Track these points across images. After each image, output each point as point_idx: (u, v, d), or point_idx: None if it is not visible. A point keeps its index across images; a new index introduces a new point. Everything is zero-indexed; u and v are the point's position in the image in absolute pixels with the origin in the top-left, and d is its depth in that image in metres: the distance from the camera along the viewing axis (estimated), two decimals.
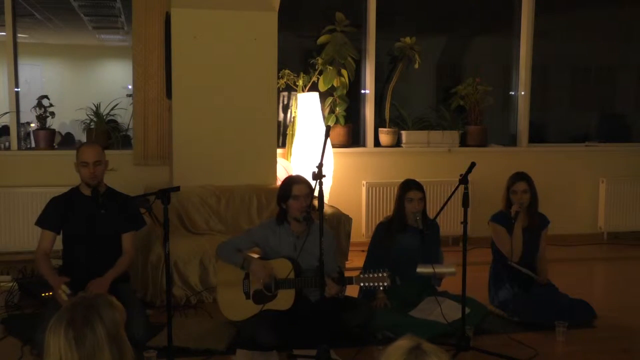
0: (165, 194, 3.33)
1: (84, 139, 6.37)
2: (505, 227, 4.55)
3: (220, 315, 4.17)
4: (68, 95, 8.95)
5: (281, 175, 5.81)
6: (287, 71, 6.27)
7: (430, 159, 6.74)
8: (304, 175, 4.30)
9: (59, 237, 4.09)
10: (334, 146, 6.35)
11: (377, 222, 4.80)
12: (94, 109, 6.18)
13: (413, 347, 1.63)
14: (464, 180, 3.86)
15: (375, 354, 3.74)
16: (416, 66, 6.63)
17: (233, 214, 5.46)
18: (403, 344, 1.65)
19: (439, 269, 4.13)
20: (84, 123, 6.24)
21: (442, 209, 4.11)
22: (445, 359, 1.64)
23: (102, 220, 4.01)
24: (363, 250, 4.85)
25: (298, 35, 7.11)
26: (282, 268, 3.93)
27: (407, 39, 6.65)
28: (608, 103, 8.14)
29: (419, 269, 4.08)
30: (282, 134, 6.49)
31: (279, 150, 6.06)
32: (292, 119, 6.36)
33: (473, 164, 3.88)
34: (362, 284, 3.86)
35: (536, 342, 3.98)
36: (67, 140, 7.59)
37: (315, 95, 6.18)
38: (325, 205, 3.88)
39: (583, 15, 7.78)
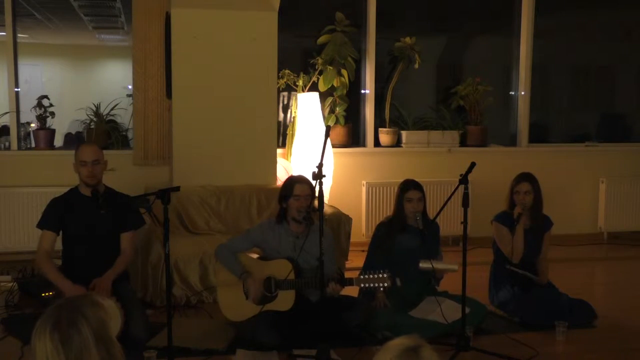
0: (165, 194, 3.34)
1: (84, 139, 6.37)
2: (508, 227, 4.54)
3: (220, 315, 4.17)
4: (68, 95, 8.94)
5: (281, 175, 5.81)
6: (287, 71, 6.27)
7: (430, 159, 6.74)
8: (304, 176, 4.31)
9: (59, 238, 4.09)
10: (334, 146, 6.34)
11: (377, 222, 4.80)
12: (94, 109, 6.18)
13: (410, 347, 1.63)
14: (464, 180, 3.86)
15: (375, 354, 3.74)
16: (416, 66, 6.63)
17: (233, 214, 5.46)
18: (403, 342, 1.65)
19: (441, 265, 4.14)
20: (84, 123, 6.24)
21: (442, 209, 4.11)
22: None
23: (101, 220, 4.01)
24: (363, 250, 4.85)
25: (298, 35, 7.11)
26: (282, 269, 3.93)
27: (407, 39, 6.65)
28: (608, 103, 8.13)
29: (422, 265, 4.08)
30: (282, 134, 6.49)
31: (279, 150, 6.06)
32: (292, 119, 6.36)
33: (473, 164, 3.88)
34: (362, 285, 3.86)
35: (536, 342, 3.98)
36: (68, 141, 7.59)
37: (315, 95, 6.18)
38: (325, 205, 3.88)
39: (583, 15, 7.78)
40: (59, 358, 1.67)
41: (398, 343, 1.65)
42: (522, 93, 7.13)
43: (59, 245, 4.10)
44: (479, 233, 6.12)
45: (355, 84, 6.72)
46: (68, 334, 1.68)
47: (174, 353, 3.40)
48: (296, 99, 6.28)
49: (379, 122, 6.85)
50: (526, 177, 4.58)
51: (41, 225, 4.06)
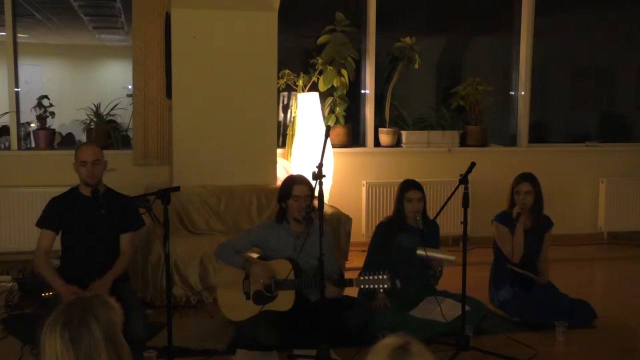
0: (165, 194, 3.34)
1: (84, 139, 6.37)
2: (508, 227, 4.54)
3: (220, 315, 4.17)
4: (68, 95, 8.93)
5: (281, 175, 5.81)
6: (287, 71, 6.27)
7: (430, 159, 6.74)
8: (304, 175, 4.30)
9: (58, 238, 4.09)
10: (334, 146, 6.34)
11: (377, 222, 4.80)
12: (94, 109, 6.18)
13: (399, 346, 1.63)
14: (464, 180, 3.86)
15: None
16: (416, 66, 6.63)
17: (233, 214, 5.46)
18: (391, 342, 1.66)
19: (438, 254, 4.14)
20: (84, 123, 6.24)
21: (442, 209, 4.11)
22: None
23: (101, 220, 4.01)
24: (363, 250, 4.85)
25: (298, 35, 7.11)
26: (282, 269, 3.93)
27: (407, 39, 6.65)
28: (608, 103, 8.13)
29: (419, 251, 4.08)
30: (282, 134, 6.49)
31: (279, 150, 6.06)
32: (292, 119, 6.36)
33: (473, 164, 3.89)
34: (362, 286, 3.86)
35: (536, 342, 3.98)
36: (68, 141, 7.58)
37: (315, 95, 6.18)
38: (325, 205, 3.88)
39: (583, 15, 7.78)
40: (68, 356, 1.67)
41: (386, 344, 1.66)
42: (522, 93, 7.13)
43: (57, 245, 4.10)
44: (479, 233, 6.12)
45: (355, 84, 6.72)
46: (78, 332, 1.69)
47: (174, 353, 3.40)
48: (296, 99, 6.28)
49: (379, 122, 6.85)
50: (527, 177, 4.58)
51: (40, 223, 4.06)
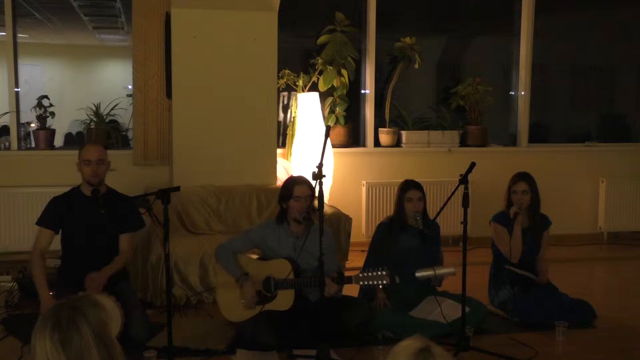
0: (165, 194, 3.34)
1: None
2: (506, 227, 4.54)
3: (220, 315, 4.17)
4: (68, 95, 8.95)
5: (281, 175, 5.81)
6: (287, 71, 6.27)
7: (430, 159, 6.74)
8: (304, 175, 4.30)
9: (58, 238, 4.09)
10: (334, 146, 6.35)
11: (377, 222, 4.80)
12: (94, 109, 6.18)
13: (422, 349, 1.61)
14: (464, 180, 3.86)
15: (375, 353, 3.74)
16: (416, 66, 6.63)
17: (233, 214, 5.46)
18: (411, 344, 1.64)
19: (439, 271, 4.12)
20: (84, 123, 6.25)
21: (442, 209, 4.11)
22: None
23: (101, 220, 4.01)
24: (363, 250, 4.85)
25: (298, 35, 7.11)
26: (282, 268, 3.93)
27: (407, 39, 6.65)
28: (608, 103, 8.14)
29: (418, 274, 4.07)
30: (282, 134, 6.49)
31: (279, 150, 6.06)
32: (292, 119, 6.36)
33: (473, 164, 3.88)
34: (361, 283, 3.86)
35: (536, 342, 3.98)
36: (71, 140, 7.59)
37: (315, 95, 6.18)
38: (325, 205, 3.88)
39: (583, 15, 7.78)
40: (59, 358, 1.67)
41: (406, 345, 1.63)
42: (522, 93, 7.13)
43: (56, 245, 4.10)
44: (479, 233, 6.12)
45: (355, 84, 6.72)
46: (68, 334, 1.68)
47: (174, 353, 3.40)
48: (296, 99, 6.29)
49: (379, 122, 6.85)
50: (523, 177, 4.58)
51: (40, 222, 4.06)
